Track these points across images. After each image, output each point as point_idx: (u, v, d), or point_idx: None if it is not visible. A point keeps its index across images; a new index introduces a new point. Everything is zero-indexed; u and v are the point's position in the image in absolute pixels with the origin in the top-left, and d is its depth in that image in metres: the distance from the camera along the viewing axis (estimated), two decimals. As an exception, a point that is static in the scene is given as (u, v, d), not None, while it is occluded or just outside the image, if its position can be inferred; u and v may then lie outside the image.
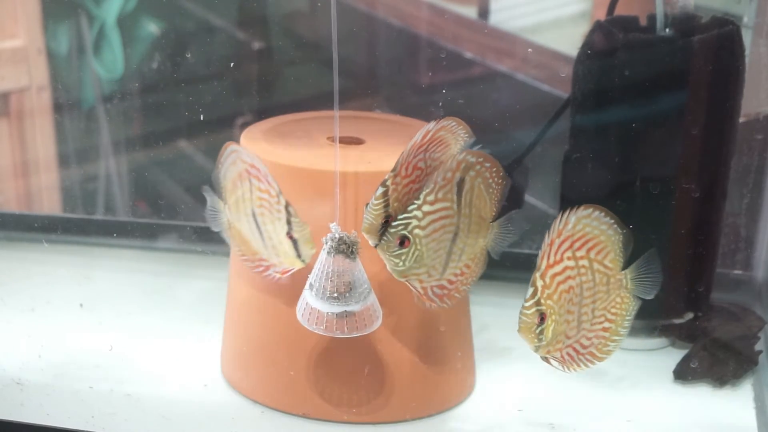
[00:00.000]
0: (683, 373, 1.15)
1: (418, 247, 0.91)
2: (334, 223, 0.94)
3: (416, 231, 0.91)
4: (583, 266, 0.91)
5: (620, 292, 0.94)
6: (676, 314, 1.22)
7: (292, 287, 1.02)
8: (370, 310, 0.95)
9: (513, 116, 1.39)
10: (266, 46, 1.58)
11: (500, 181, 0.95)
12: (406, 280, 0.93)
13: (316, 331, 0.95)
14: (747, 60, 1.16)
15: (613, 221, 0.92)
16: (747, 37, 1.24)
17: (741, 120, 1.20)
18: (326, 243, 0.94)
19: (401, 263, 0.92)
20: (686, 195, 1.15)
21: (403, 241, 0.91)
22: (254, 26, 1.58)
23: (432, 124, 0.93)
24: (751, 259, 1.35)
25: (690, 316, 1.22)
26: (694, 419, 1.08)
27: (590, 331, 0.94)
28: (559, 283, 0.90)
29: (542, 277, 0.90)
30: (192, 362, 1.16)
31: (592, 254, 0.92)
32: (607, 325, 0.94)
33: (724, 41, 1.13)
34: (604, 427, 1.06)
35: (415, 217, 0.91)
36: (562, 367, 0.95)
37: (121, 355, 1.17)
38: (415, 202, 0.91)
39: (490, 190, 0.95)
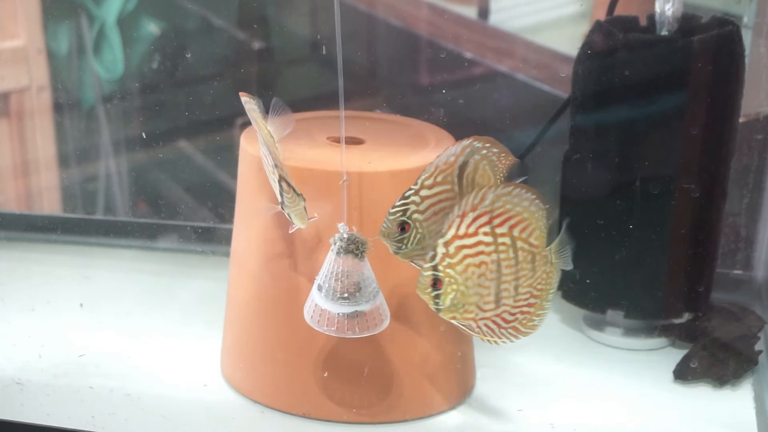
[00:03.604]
0: (683, 373, 1.15)
1: (419, 230, 0.92)
2: (342, 224, 0.94)
3: (415, 216, 0.92)
4: (503, 243, 0.90)
5: (545, 268, 0.93)
6: (675, 314, 1.22)
7: (292, 287, 1.02)
8: (379, 309, 0.96)
9: (513, 116, 1.39)
10: (266, 46, 1.58)
11: (507, 161, 0.95)
12: (410, 261, 0.94)
13: (327, 333, 0.95)
14: (747, 60, 1.16)
15: (535, 197, 0.91)
16: (747, 37, 1.24)
17: (741, 120, 1.20)
18: (335, 243, 0.94)
19: (404, 247, 0.93)
20: (686, 195, 1.15)
21: (404, 227, 0.92)
22: (254, 26, 1.58)
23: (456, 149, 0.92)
24: (751, 259, 1.35)
25: (690, 316, 1.22)
26: (694, 419, 1.08)
27: (514, 307, 0.93)
28: (466, 256, 0.89)
29: (445, 245, 0.89)
30: (192, 362, 1.16)
31: (515, 232, 0.91)
32: (532, 300, 0.94)
33: (724, 41, 1.13)
34: (603, 427, 1.06)
35: (413, 202, 0.91)
36: (487, 341, 0.94)
37: (121, 355, 1.17)
38: (412, 187, 0.91)
39: (495, 169, 0.95)
